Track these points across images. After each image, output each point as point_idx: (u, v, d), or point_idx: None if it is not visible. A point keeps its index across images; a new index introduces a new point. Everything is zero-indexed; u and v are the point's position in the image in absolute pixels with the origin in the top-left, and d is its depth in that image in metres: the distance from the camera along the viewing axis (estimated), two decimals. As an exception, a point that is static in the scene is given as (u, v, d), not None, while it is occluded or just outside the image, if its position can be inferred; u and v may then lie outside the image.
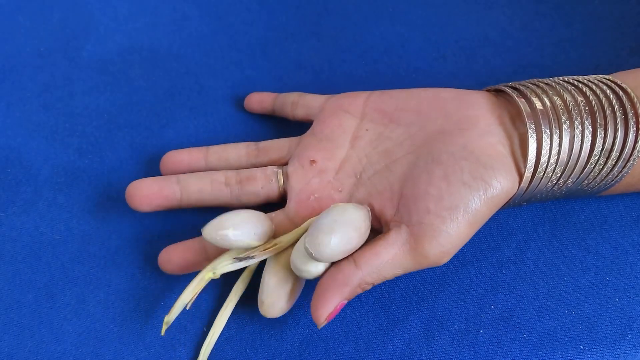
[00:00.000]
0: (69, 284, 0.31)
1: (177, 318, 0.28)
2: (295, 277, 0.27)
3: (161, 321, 0.30)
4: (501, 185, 0.26)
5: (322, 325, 0.25)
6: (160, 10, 0.41)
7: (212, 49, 0.39)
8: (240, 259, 0.26)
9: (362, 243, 0.26)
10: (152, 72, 0.38)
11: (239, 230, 0.26)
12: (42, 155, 0.35)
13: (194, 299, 0.27)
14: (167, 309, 0.30)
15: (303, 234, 0.27)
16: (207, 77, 0.38)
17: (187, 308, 0.27)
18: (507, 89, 0.28)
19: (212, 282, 0.29)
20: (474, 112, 0.28)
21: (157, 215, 0.33)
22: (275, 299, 0.26)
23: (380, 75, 0.37)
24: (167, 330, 0.28)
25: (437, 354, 0.28)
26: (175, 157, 0.32)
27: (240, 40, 0.39)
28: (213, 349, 0.29)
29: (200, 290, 0.27)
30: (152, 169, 0.34)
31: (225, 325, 0.29)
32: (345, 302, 0.25)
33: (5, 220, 0.33)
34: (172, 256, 0.29)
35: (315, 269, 0.25)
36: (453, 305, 0.29)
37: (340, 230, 0.25)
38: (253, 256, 0.26)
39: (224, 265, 0.26)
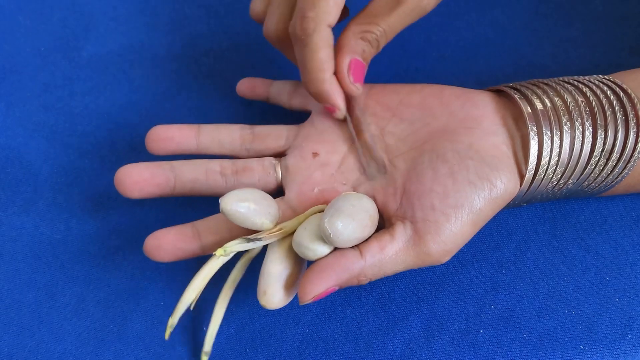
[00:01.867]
0: (69, 284, 0.31)
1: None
2: (298, 268, 0.27)
3: (161, 321, 0.30)
4: (504, 186, 0.26)
5: (305, 303, 0.24)
6: (160, 10, 0.41)
7: (212, 49, 0.39)
8: (249, 240, 0.26)
9: (370, 234, 0.26)
10: (152, 72, 0.38)
11: (257, 206, 0.26)
12: (42, 155, 0.35)
13: (197, 298, 0.27)
14: (167, 308, 0.30)
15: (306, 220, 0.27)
16: (207, 77, 0.38)
17: (191, 309, 0.27)
18: (507, 90, 0.28)
19: (210, 283, 0.29)
20: (479, 112, 0.28)
21: (157, 215, 0.33)
22: (277, 289, 0.26)
23: (380, 75, 0.37)
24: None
25: (437, 354, 0.28)
26: (164, 134, 0.30)
27: (240, 40, 0.39)
28: (213, 349, 0.29)
29: (202, 289, 0.27)
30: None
31: (225, 325, 0.29)
32: (337, 288, 0.25)
33: (5, 220, 0.33)
34: (163, 242, 0.27)
35: (320, 249, 0.25)
36: (453, 305, 0.29)
37: (359, 216, 0.25)
38: (260, 238, 0.26)
39: (232, 245, 0.26)
